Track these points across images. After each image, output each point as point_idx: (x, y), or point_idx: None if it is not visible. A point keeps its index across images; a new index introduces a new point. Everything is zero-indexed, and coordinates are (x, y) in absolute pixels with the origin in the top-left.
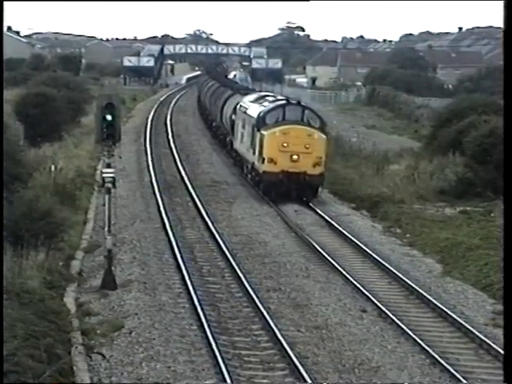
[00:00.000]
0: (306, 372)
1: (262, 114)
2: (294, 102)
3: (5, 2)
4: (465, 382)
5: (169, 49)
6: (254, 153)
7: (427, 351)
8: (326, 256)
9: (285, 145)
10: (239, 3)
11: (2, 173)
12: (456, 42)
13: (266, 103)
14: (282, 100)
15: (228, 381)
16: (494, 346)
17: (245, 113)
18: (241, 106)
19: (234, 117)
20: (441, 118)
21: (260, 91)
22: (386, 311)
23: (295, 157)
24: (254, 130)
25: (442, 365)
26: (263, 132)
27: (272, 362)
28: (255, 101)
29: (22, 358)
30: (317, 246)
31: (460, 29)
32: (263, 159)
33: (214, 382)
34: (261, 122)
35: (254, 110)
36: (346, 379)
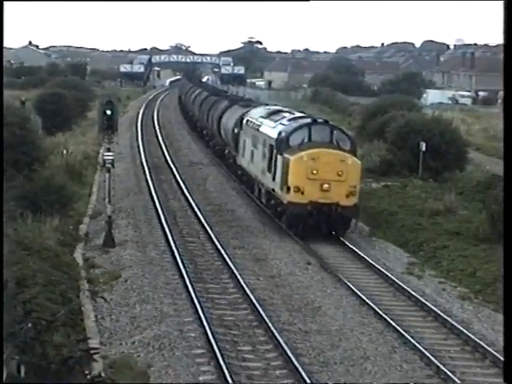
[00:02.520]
0: (264, 311)
1: (284, 134)
2: (320, 120)
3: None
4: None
5: (155, 58)
6: (273, 178)
7: (357, 294)
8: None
9: (314, 172)
10: (211, 21)
11: (2, 172)
12: (380, 54)
13: (284, 120)
14: (304, 117)
15: (203, 318)
16: (408, 289)
17: (257, 130)
18: (249, 121)
19: (237, 130)
20: (368, 112)
21: (267, 104)
22: (326, 264)
23: (326, 185)
24: (273, 152)
25: (369, 304)
26: (287, 156)
27: (237, 303)
28: (268, 117)
29: (41, 300)
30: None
31: (382, 44)
32: (288, 188)
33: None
34: (283, 144)
35: (271, 129)
36: (295, 317)
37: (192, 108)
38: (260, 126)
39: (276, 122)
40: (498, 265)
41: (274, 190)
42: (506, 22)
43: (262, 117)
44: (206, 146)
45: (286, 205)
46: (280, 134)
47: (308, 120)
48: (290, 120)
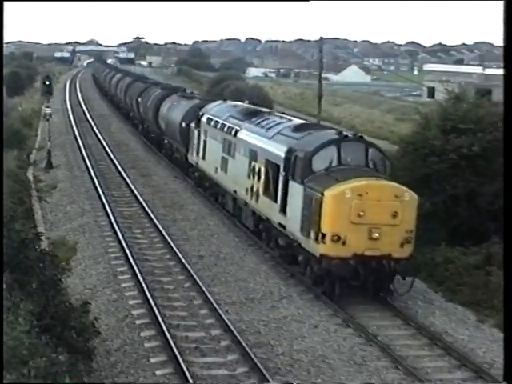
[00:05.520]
0: (148, 208)
1: (301, 153)
2: (349, 134)
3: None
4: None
5: (78, 48)
6: (283, 211)
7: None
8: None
9: (361, 213)
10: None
11: (1, 173)
12: (219, 45)
13: (286, 130)
14: (315, 126)
15: (109, 213)
16: None
17: (233, 135)
18: (213, 120)
19: (191, 127)
20: (212, 82)
21: (225, 100)
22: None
23: (376, 232)
24: (280, 175)
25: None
26: (317, 189)
27: (131, 203)
28: (248, 119)
29: (7, 202)
30: None
31: (221, 39)
32: (322, 235)
33: None
34: (303, 168)
35: (270, 141)
36: (168, 210)
37: (110, 88)
38: (238, 130)
39: (270, 129)
40: None
41: (285, 227)
42: (506, 21)
43: (235, 118)
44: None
45: (317, 258)
46: (292, 152)
47: (331, 133)
48: (297, 130)
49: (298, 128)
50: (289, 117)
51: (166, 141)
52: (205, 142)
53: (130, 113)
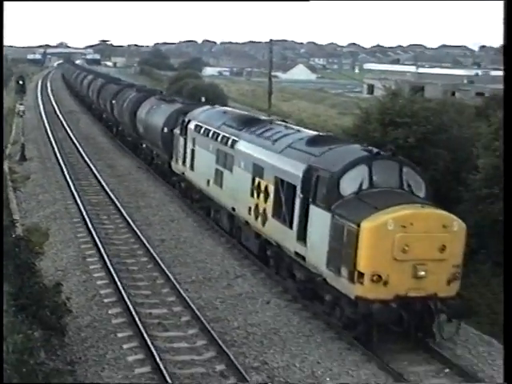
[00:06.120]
0: (114, 196)
1: (325, 173)
2: (380, 151)
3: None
4: None
5: (49, 51)
6: (303, 239)
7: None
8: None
9: (405, 248)
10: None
11: (1, 174)
12: (179, 46)
13: (297, 143)
14: (338, 141)
15: (79, 201)
16: None
17: (230, 146)
18: (203, 128)
19: (176, 133)
20: (172, 80)
21: (213, 104)
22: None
23: (422, 270)
24: (297, 197)
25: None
26: (351, 218)
27: (98, 192)
28: (247, 128)
29: None
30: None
31: (180, 41)
32: (359, 274)
33: None
34: (329, 191)
35: (281, 156)
36: (131, 198)
37: (81, 89)
38: (236, 141)
39: (277, 141)
40: None
41: (304, 258)
42: (506, 22)
43: (230, 126)
44: (99, 120)
45: (352, 299)
46: (313, 171)
47: (356, 148)
48: (313, 144)
49: (313, 141)
50: (294, 126)
51: (144, 145)
52: (193, 151)
53: (104, 114)
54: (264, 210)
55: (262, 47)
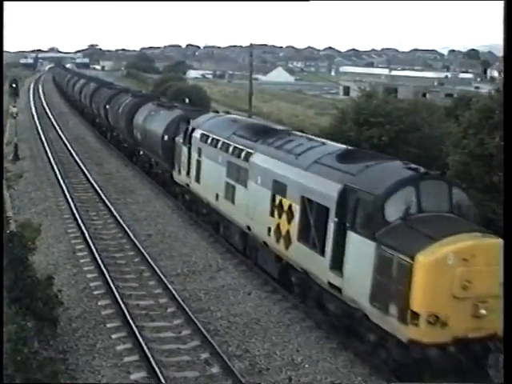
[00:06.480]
0: (102, 193)
1: (372, 198)
2: (426, 171)
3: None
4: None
5: (41, 55)
6: (338, 269)
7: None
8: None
9: (467, 284)
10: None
11: (1, 174)
12: (164, 50)
13: (325, 158)
14: (374, 156)
15: (69, 198)
16: None
17: (243, 159)
18: (211, 138)
19: (178, 142)
20: (157, 82)
21: (216, 112)
22: None
23: (483, 308)
24: (330, 221)
25: None
26: (404, 252)
27: (88, 189)
28: (263, 140)
29: None
30: None
31: (165, 46)
32: (413, 314)
33: None
34: (374, 218)
35: (308, 173)
36: (119, 195)
37: (73, 93)
38: (251, 153)
39: (300, 156)
40: None
41: (340, 290)
42: (506, 22)
43: (242, 137)
44: (92, 124)
45: (403, 342)
46: (351, 192)
47: (397, 166)
48: (346, 160)
49: (345, 157)
50: (317, 138)
51: (141, 152)
52: (199, 161)
53: (97, 119)
54: (287, 232)
55: (243, 51)
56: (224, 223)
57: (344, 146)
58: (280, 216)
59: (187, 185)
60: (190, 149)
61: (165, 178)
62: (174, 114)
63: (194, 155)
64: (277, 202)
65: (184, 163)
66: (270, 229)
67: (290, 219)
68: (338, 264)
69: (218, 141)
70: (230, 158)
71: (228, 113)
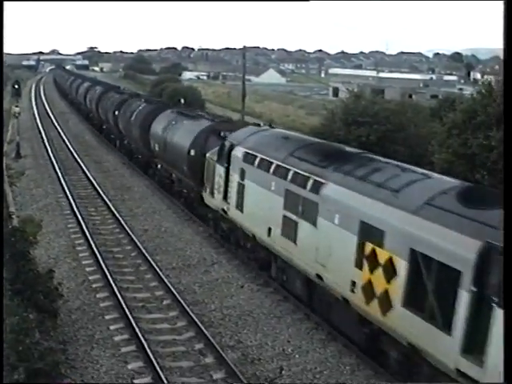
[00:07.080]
0: (101, 190)
1: None
2: None
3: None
4: None
5: (42, 57)
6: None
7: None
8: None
9: None
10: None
11: (2, 174)
12: (160, 53)
13: (443, 200)
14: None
15: (69, 195)
16: None
17: (314, 191)
18: (261, 159)
19: (214, 160)
20: (153, 83)
21: (258, 125)
22: None
23: None
24: (467, 295)
25: None
26: None
27: (86, 186)
28: (352, 172)
29: None
30: None
31: (161, 48)
32: None
33: None
34: None
35: (423, 223)
36: (117, 192)
37: (76, 97)
38: (322, 183)
39: (400, 193)
40: None
41: (477, 382)
42: (506, 22)
43: (304, 160)
44: (93, 127)
45: None
46: (498, 253)
47: None
48: (474, 204)
49: (470, 199)
50: (412, 167)
51: (159, 166)
52: (241, 185)
53: (104, 125)
54: (386, 292)
55: (237, 53)
56: (279, 264)
57: (457, 181)
58: (372, 270)
59: (223, 210)
60: (227, 169)
61: (190, 198)
62: (202, 125)
63: (235, 177)
64: (367, 251)
65: (219, 185)
66: (354, 283)
67: (389, 276)
68: (474, 349)
69: (270, 163)
70: (289, 186)
71: (271, 126)
